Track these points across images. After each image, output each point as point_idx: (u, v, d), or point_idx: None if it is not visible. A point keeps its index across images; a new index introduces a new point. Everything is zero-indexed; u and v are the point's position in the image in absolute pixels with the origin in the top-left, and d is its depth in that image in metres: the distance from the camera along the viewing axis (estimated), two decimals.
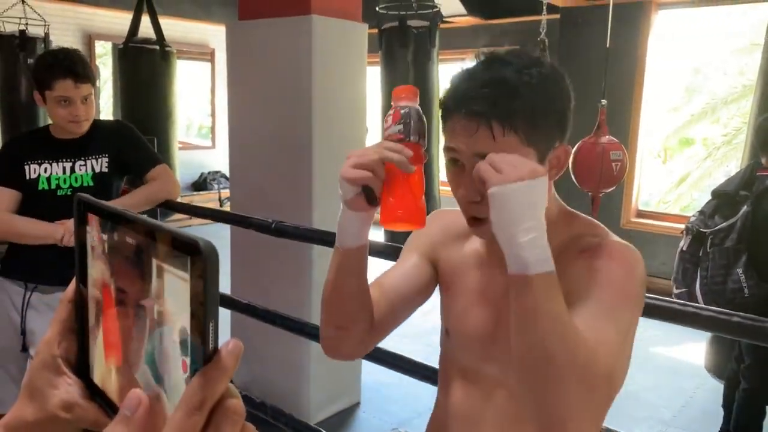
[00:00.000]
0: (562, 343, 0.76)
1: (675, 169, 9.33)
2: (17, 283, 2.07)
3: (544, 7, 5.05)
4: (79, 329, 0.45)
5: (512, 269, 0.78)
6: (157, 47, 3.68)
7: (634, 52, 5.29)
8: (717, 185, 2.98)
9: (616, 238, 0.95)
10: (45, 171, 2.03)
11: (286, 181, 2.90)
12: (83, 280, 0.44)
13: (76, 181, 2.06)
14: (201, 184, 7.81)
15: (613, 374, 0.81)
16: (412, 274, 1.07)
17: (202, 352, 0.32)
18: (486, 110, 0.84)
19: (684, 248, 2.76)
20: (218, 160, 7.97)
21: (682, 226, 5.49)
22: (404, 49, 4.07)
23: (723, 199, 2.70)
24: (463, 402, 1.03)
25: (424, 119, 0.89)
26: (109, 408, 0.42)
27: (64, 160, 2.05)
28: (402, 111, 0.88)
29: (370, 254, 0.99)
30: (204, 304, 0.32)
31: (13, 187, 2.01)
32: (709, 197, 2.87)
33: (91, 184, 2.07)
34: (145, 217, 0.37)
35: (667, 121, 8.76)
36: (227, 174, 7.96)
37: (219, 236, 4.69)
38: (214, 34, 7.64)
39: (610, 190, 3.19)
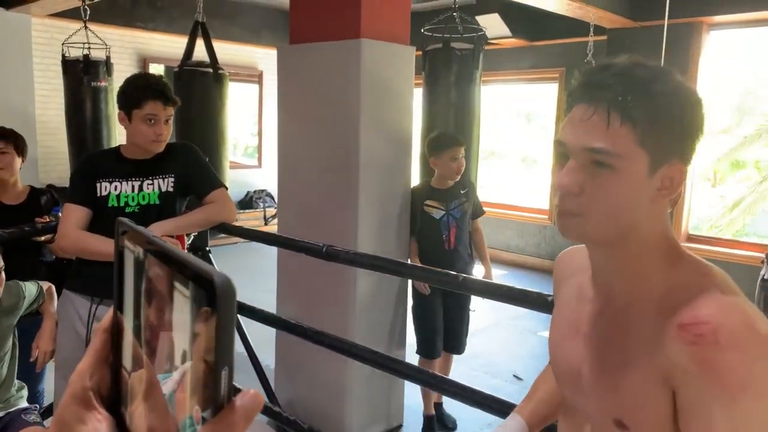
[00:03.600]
0: None
1: (726, 193, 9.06)
2: (84, 296, 2.16)
3: (591, 29, 5.03)
4: (114, 361, 0.41)
5: None
6: (211, 70, 3.80)
7: (684, 72, 5.19)
8: None
9: (723, 297, 0.80)
10: (115, 189, 2.14)
11: (333, 202, 2.95)
12: (120, 307, 0.40)
13: (143, 199, 2.15)
14: (247, 203, 7.98)
15: None
16: None
17: (214, 402, 0.29)
18: (607, 96, 0.80)
19: (765, 277, 2.69)
20: (264, 179, 8.14)
21: (735, 252, 5.32)
22: (447, 70, 4.10)
23: None
24: (568, 418, 1.05)
25: None
26: None
27: (133, 179, 2.15)
28: None
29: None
30: (217, 349, 0.29)
31: (86, 205, 2.12)
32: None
33: (158, 202, 2.16)
34: (168, 244, 0.35)
35: (718, 143, 8.54)
36: (272, 193, 8.14)
37: (266, 255, 4.75)
38: (262, 57, 7.85)
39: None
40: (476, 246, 3.24)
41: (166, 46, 6.94)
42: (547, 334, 1.09)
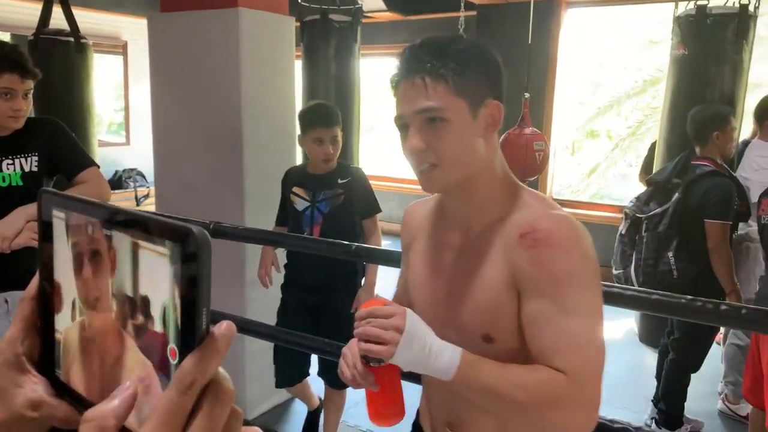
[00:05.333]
0: (531, 403, 0.92)
1: (582, 161, 9.85)
2: None
3: (462, 5, 5.21)
4: (43, 326, 0.43)
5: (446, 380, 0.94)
6: (72, 39, 3.50)
7: (546, 48, 5.55)
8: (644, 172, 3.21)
9: (554, 211, 1.00)
10: None
11: (216, 178, 2.86)
12: (48, 277, 0.42)
13: (3, 180, 1.95)
14: (116, 183, 7.49)
15: (599, 367, 0.93)
16: (406, 287, 1.22)
17: (194, 337, 0.33)
18: (418, 66, 0.98)
19: (622, 232, 2.92)
20: (133, 157, 7.66)
21: (593, 213, 5.81)
22: (326, 42, 4.09)
23: (657, 187, 2.86)
24: None
25: None
26: (80, 404, 0.40)
27: None
28: None
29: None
30: (198, 291, 0.32)
31: None
32: (626, 184, 3.08)
33: (21, 183, 1.97)
34: (128, 208, 0.37)
35: (576, 115, 9.23)
36: (144, 172, 7.69)
37: None
38: (126, 26, 7.31)
39: (533, 178, 3.37)
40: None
41: (11, 12, 6.26)
42: None
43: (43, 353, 0.43)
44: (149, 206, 7.30)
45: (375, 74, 7.12)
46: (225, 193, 2.84)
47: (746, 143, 3.30)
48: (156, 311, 0.34)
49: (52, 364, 0.43)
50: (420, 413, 1.29)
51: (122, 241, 0.36)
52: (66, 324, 0.41)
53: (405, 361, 0.94)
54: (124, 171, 7.69)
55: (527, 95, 3.45)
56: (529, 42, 3.83)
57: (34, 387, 0.42)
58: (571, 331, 0.92)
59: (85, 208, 0.39)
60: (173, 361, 0.34)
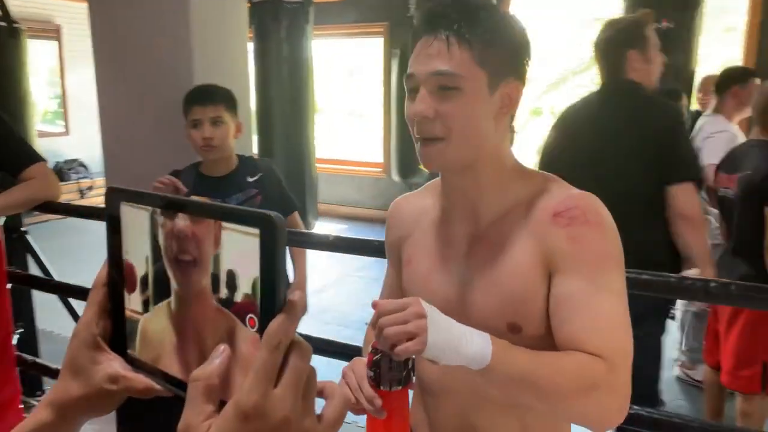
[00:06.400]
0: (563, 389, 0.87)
1: (527, 139, 10.01)
2: None
3: None
4: (113, 310, 0.50)
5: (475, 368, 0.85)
6: (4, 24, 3.28)
7: None
8: None
9: (575, 189, 0.97)
10: None
11: (171, 167, 2.74)
12: (117, 265, 0.49)
13: None
14: (56, 175, 7.16)
15: (631, 351, 0.89)
16: (396, 287, 1.14)
17: (276, 305, 0.38)
18: (444, 23, 0.90)
19: None
20: (74, 147, 7.33)
21: None
22: (277, 24, 3.98)
23: None
24: (434, 369, 1.04)
25: (402, 364, 0.88)
26: (158, 377, 0.47)
27: None
28: (374, 356, 0.88)
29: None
30: (278, 266, 0.38)
31: None
32: None
33: None
34: (205, 200, 0.39)
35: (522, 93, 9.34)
36: (86, 162, 7.37)
37: (88, 231, 4.33)
38: (59, 8, 6.94)
39: None
40: (292, 254, 2.27)
41: None
42: None
43: (115, 334, 0.50)
44: (95, 198, 7.01)
45: (323, 55, 7.00)
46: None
47: (699, 114, 3.37)
48: (241, 286, 0.40)
49: (123, 344, 0.49)
50: (413, 429, 1.18)
51: (209, 226, 0.41)
52: (139, 305, 0.48)
53: (438, 346, 0.82)
54: (65, 162, 7.36)
55: None
56: None
57: (110, 363, 0.48)
58: (606, 312, 0.89)
59: (155, 200, 0.45)
60: (252, 329, 0.39)
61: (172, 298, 0.45)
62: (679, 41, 3.32)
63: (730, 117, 3.04)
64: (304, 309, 0.40)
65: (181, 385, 0.44)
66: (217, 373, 0.39)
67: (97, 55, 2.83)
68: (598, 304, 0.88)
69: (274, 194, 2.15)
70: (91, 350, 0.48)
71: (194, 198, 0.44)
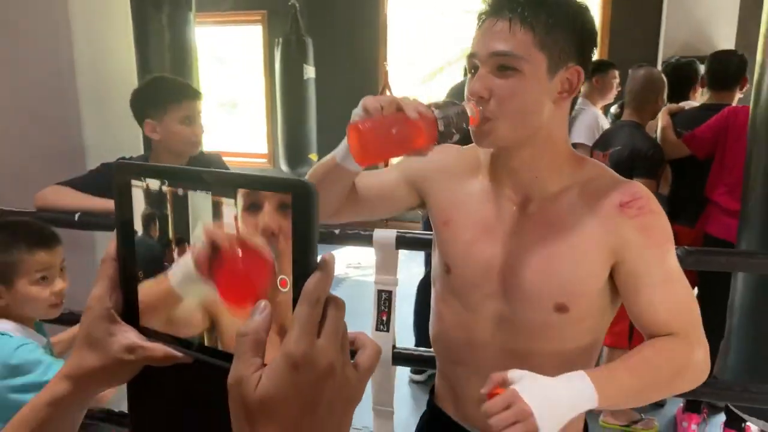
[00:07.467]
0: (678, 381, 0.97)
1: None
2: None
3: None
4: (123, 283, 0.51)
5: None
6: None
7: (376, 15, 5.70)
8: None
9: (620, 176, 1.03)
10: None
11: (53, 164, 2.58)
12: (127, 238, 0.50)
13: None
14: None
15: (699, 317, 0.99)
16: (387, 184, 1.14)
17: (310, 265, 0.41)
18: (509, 7, 0.92)
19: None
20: None
21: None
22: (158, 11, 3.81)
23: None
24: (467, 333, 1.08)
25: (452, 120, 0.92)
26: (176, 343, 0.48)
27: None
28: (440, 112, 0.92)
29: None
30: (312, 229, 0.40)
31: None
32: None
33: None
34: (230, 170, 0.42)
35: (407, 75, 9.57)
36: None
37: None
38: None
39: None
40: None
41: None
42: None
43: (126, 308, 0.51)
44: None
45: (210, 44, 6.78)
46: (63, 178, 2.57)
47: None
48: (273, 248, 0.41)
49: (136, 315, 0.50)
50: (438, 396, 1.22)
51: (244, 194, 0.42)
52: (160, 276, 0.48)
53: (554, 419, 0.85)
54: None
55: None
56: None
57: (126, 335, 0.49)
58: (679, 294, 0.97)
59: (168, 174, 0.46)
60: (284, 290, 0.42)
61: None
62: None
63: (594, 102, 3.38)
64: (334, 266, 0.42)
65: (206, 350, 0.47)
66: (263, 328, 0.41)
67: None
68: (672, 288, 0.97)
69: None
70: (105, 322, 0.49)
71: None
